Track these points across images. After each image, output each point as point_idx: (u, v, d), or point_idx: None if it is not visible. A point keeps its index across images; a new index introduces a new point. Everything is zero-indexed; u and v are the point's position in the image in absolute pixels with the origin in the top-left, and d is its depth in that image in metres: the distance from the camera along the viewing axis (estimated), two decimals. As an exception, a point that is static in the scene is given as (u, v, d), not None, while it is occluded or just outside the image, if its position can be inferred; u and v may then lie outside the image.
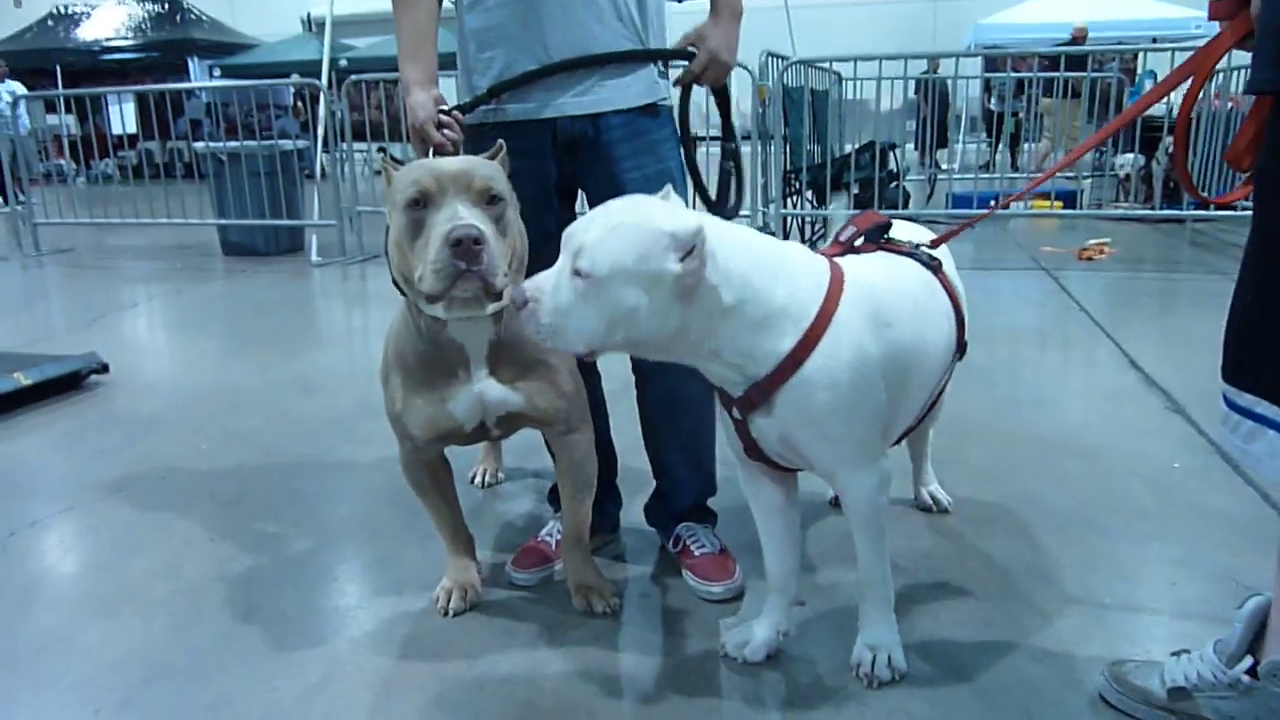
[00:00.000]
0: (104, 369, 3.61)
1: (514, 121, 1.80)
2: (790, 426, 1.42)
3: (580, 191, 1.91)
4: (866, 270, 1.52)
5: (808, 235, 6.87)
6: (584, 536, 1.90)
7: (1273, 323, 1.22)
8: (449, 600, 1.85)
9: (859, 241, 1.64)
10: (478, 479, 2.48)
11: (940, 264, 1.68)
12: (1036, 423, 2.86)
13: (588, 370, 1.91)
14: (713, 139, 2.01)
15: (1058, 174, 1.95)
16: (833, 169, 6.13)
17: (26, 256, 7.20)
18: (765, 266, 1.37)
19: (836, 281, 1.43)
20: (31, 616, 1.91)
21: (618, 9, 1.76)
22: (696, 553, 1.90)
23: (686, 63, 1.83)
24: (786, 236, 6.19)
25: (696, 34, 1.81)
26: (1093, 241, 6.00)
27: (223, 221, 6.80)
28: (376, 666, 1.69)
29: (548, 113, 1.78)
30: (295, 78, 9.38)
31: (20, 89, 10.05)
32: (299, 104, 9.63)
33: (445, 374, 1.69)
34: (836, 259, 1.53)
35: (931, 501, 2.25)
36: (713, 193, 1.96)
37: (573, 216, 1.93)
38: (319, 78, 6.79)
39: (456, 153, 1.77)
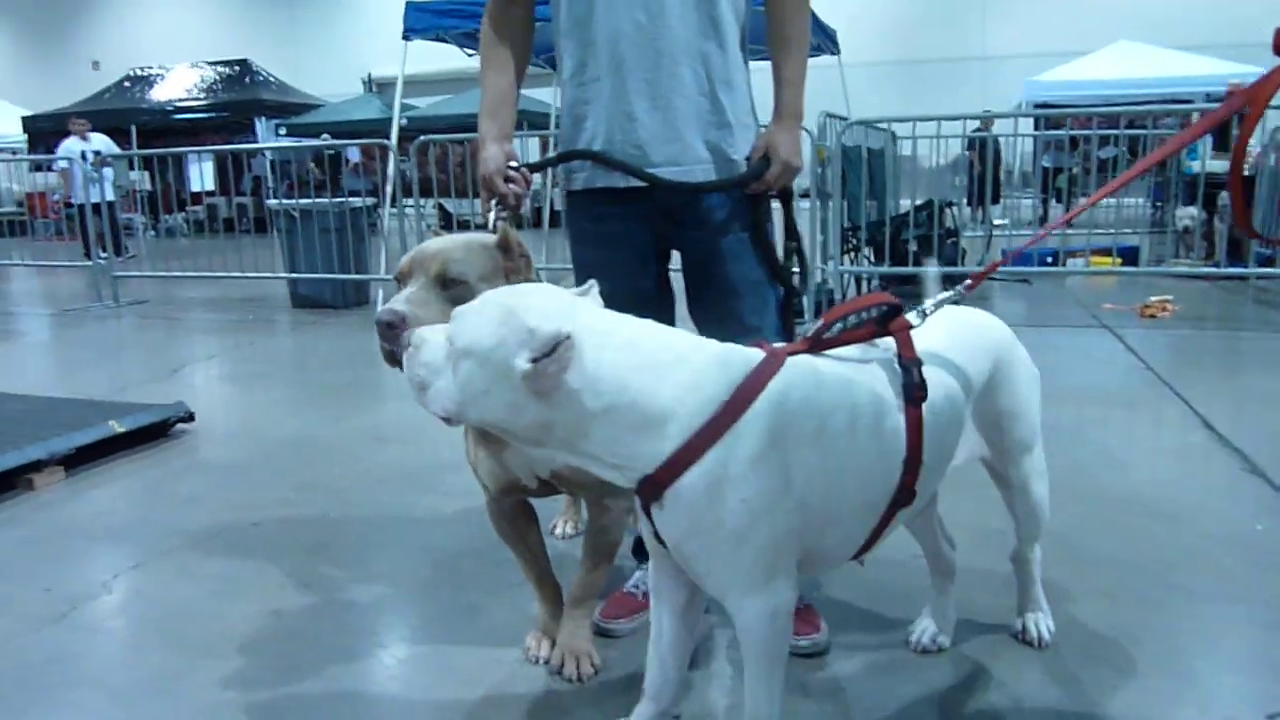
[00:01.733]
0: (190, 418, 3.76)
1: (616, 188, 1.88)
2: (677, 533, 1.32)
3: (675, 252, 1.99)
4: (810, 375, 1.35)
5: (864, 291, 6.90)
6: (587, 599, 1.91)
7: None
8: (539, 648, 1.91)
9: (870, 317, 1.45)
10: (558, 530, 2.54)
11: (923, 397, 1.41)
12: (1110, 483, 2.85)
13: None
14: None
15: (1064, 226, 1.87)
16: (890, 226, 6.18)
17: (106, 308, 7.50)
18: (651, 368, 1.26)
19: (752, 386, 1.29)
20: (141, 657, 1.99)
21: (700, 84, 1.84)
22: (782, 607, 1.93)
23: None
24: (844, 293, 6.24)
25: (767, 144, 1.88)
26: (1155, 299, 5.96)
27: (294, 275, 7.04)
28: (480, 716, 1.74)
29: (639, 181, 1.86)
30: (326, 138, 9.67)
31: (111, 145, 10.36)
32: (315, 164, 9.89)
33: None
34: (790, 356, 1.36)
35: (1025, 632, 1.92)
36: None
37: (667, 276, 2.02)
38: (382, 136, 7.06)
39: (519, 206, 1.90)
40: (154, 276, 8.41)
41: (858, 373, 1.41)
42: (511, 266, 1.70)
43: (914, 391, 1.40)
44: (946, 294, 1.55)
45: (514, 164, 1.89)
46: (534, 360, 1.20)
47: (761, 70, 1.90)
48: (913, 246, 6.02)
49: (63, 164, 9.31)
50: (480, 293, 1.59)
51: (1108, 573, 2.24)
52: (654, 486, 1.28)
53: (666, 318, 1.96)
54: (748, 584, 1.32)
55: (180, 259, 8.68)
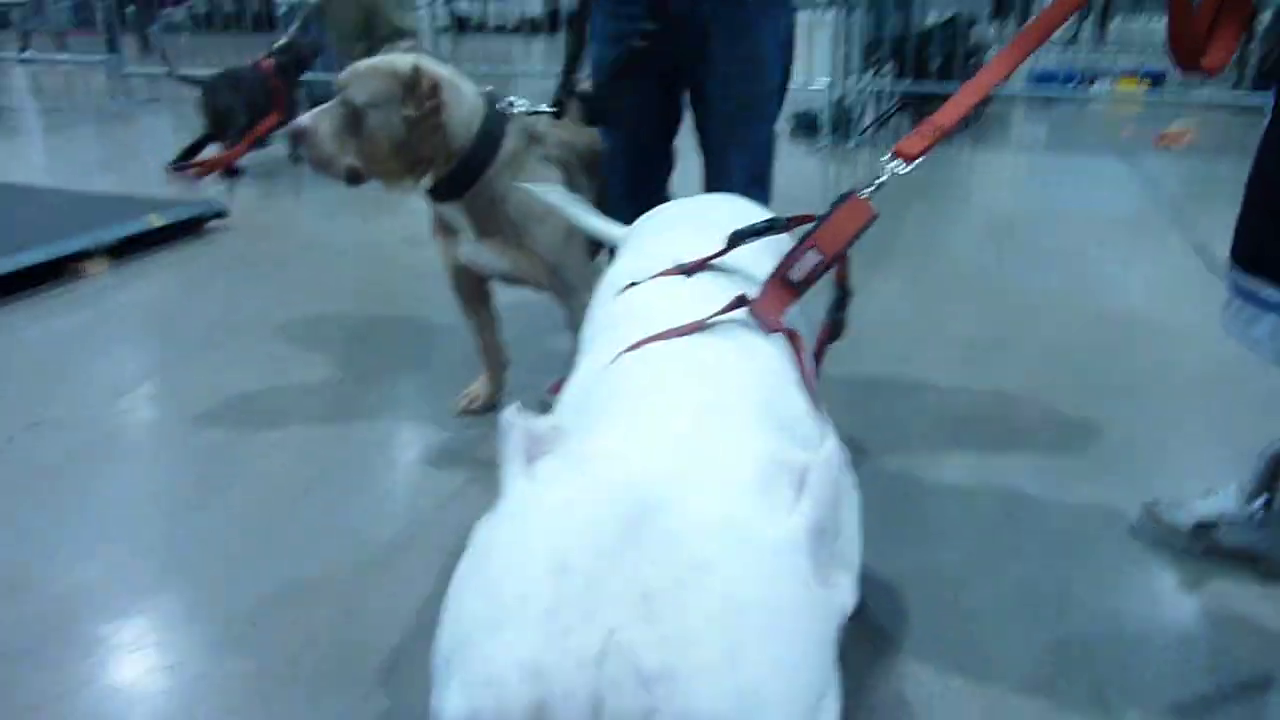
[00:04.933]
0: (223, 215, 3.90)
1: None
2: None
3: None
4: None
5: (884, 109, 6.82)
6: None
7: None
8: (463, 402, 2.28)
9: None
10: None
11: None
12: (1103, 302, 3.01)
13: None
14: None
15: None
16: (914, 42, 6.05)
17: (120, 105, 7.46)
18: None
19: None
20: (205, 430, 2.22)
21: None
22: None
23: None
24: (863, 110, 6.18)
25: None
26: (1174, 127, 5.91)
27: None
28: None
29: None
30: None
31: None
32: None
33: (453, 228, 2.02)
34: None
35: None
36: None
37: (679, 104, 2.08)
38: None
39: None
40: (164, 75, 8.27)
41: None
42: (414, 103, 1.78)
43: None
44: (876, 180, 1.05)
45: None
46: None
47: None
48: (935, 64, 5.92)
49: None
50: (369, 118, 1.79)
51: (1088, 381, 2.43)
52: None
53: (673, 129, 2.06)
54: None
55: (189, 57, 8.52)
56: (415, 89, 1.78)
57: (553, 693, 0.42)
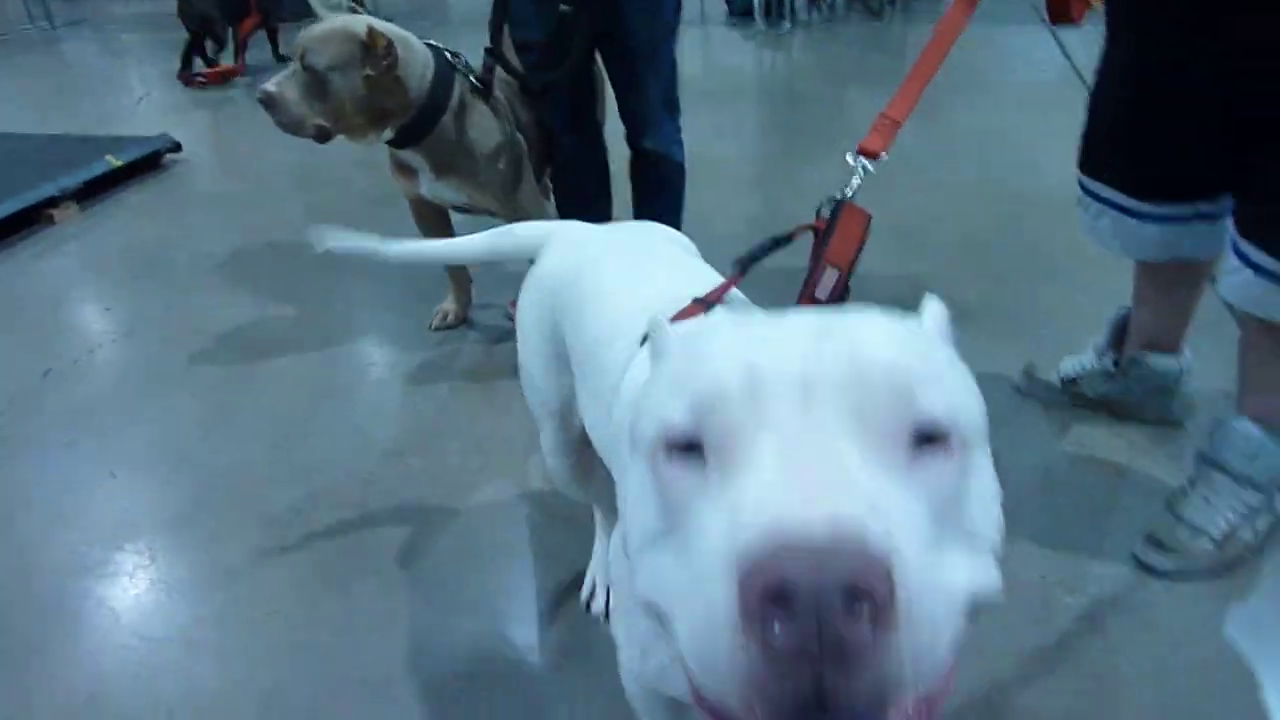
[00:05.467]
0: (177, 148, 4.00)
1: None
2: None
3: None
4: None
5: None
6: None
7: (1122, 127, 1.58)
8: (437, 319, 2.52)
9: None
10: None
11: None
12: (1018, 184, 3.27)
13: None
14: None
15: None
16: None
17: (41, 30, 7.27)
18: None
19: None
20: (205, 367, 2.44)
21: None
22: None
23: None
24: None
25: None
26: (1094, -11, 6.06)
27: None
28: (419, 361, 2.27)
29: None
30: None
31: None
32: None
33: (411, 168, 2.23)
34: None
35: None
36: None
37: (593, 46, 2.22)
38: None
39: None
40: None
41: None
42: (371, 63, 1.95)
43: None
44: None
45: None
46: None
47: None
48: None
49: None
50: (332, 81, 1.93)
51: (997, 259, 2.72)
52: None
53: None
54: None
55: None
56: (372, 49, 1.94)
57: (763, 362, 0.48)
